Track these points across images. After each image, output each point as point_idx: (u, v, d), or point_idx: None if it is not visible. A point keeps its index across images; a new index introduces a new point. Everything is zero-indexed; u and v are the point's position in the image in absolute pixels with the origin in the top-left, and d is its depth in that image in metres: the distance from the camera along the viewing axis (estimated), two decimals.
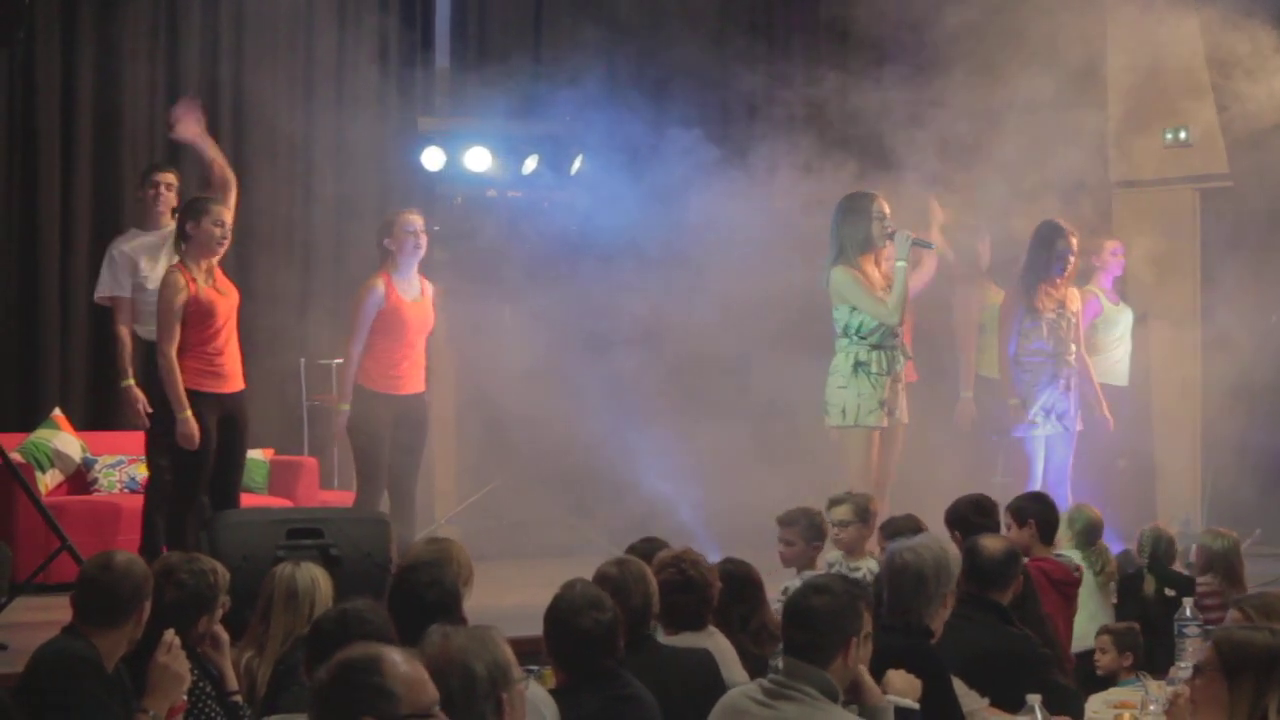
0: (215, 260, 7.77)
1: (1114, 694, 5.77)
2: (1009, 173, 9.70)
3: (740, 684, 4.70)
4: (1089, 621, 7.08)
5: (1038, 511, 6.94)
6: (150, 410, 7.86)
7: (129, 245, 8.30)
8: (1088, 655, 6.80)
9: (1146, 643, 6.71)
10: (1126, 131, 11.75)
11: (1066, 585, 6.84)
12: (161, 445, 7.75)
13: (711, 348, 11.15)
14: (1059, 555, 7.05)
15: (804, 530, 6.91)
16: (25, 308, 9.99)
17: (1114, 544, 7.88)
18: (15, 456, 8.64)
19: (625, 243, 10.89)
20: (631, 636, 4.84)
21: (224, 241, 7.77)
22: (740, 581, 5.84)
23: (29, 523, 8.34)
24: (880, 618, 4.75)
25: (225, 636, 5.16)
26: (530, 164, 11.58)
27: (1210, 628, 5.19)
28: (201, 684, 4.98)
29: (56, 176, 10.08)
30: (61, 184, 10.09)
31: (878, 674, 4.50)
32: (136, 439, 8.40)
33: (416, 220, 8.46)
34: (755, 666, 5.22)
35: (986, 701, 5.08)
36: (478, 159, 11.45)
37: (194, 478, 7.66)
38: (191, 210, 7.76)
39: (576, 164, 11.59)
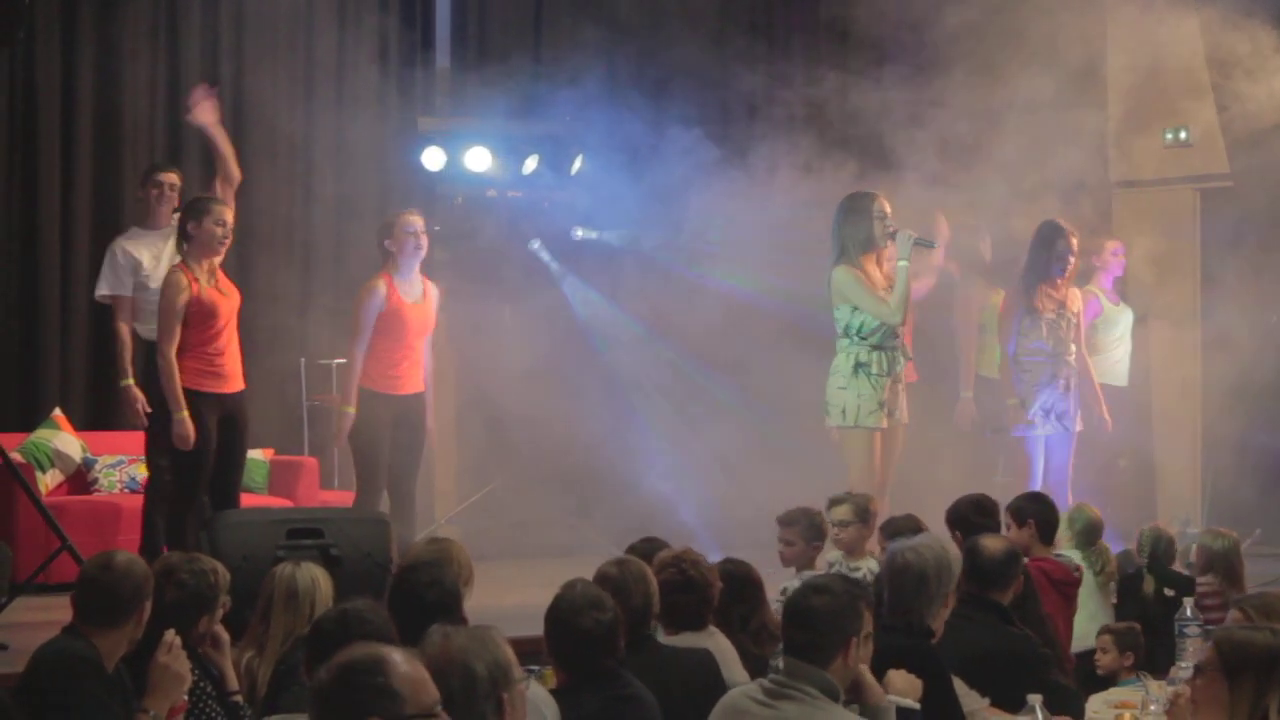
0: (217, 260, 7.77)
1: (1114, 694, 5.76)
2: (1009, 173, 9.70)
3: (741, 684, 4.70)
4: (1089, 621, 7.08)
5: (1037, 511, 6.94)
6: (149, 410, 7.86)
7: (131, 243, 8.29)
8: (1088, 655, 6.80)
9: (1146, 643, 6.71)
10: (1126, 131, 11.75)
11: (1066, 585, 6.84)
12: (161, 445, 7.75)
13: (711, 348, 11.16)
14: (1059, 555, 7.05)
15: (804, 530, 6.91)
16: (25, 307, 9.99)
17: (1114, 544, 7.88)
18: (15, 456, 8.64)
19: (625, 243, 10.91)
20: (632, 636, 4.84)
21: (226, 241, 7.77)
22: (740, 581, 5.84)
23: (29, 523, 8.35)
24: (881, 618, 4.75)
25: (226, 636, 5.16)
26: (530, 164, 11.58)
27: (1210, 628, 5.18)
28: (202, 684, 4.98)
29: (56, 176, 10.08)
30: (61, 184, 10.09)
31: (878, 674, 4.50)
32: (137, 439, 8.39)
33: (417, 221, 8.44)
34: (755, 666, 5.22)
35: (987, 701, 5.08)
36: (478, 159, 11.45)
37: (194, 478, 7.66)
38: (193, 210, 7.76)
39: (576, 164, 11.59)
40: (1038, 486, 8.52)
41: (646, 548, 5.88)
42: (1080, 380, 9.18)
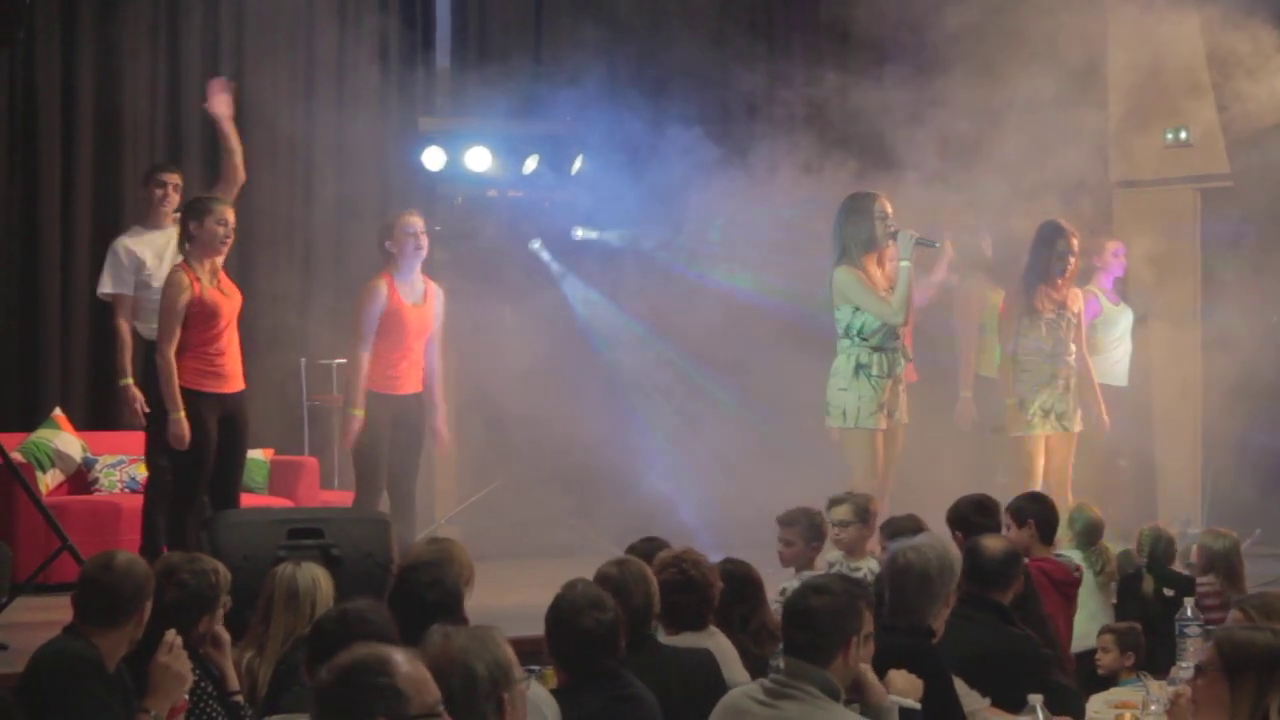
0: (219, 260, 7.77)
1: (1115, 694, 5.77)
2: (1009, 172, 9.70)
3: (741, 684, 4.71)
4: (1089, 621, 7.08)
5: (1037, 512, 6.94)
6: (148, 410, 7.86)
7: (134, 242, 8.29)
8: (1088, 655, 6.80)
9: (1147, 643, 6.71)
10: (1127, 131, 11.75)
11: (1067, 585, 6.84)
12: (161, 445, 7.74)
13: (711, 348, 11.17)
14: (1059, 555, 7.05)
15: (804, 530, 6.92)
16: (26, 307, 9.99)
17: (1114, 544, 7.88)
18: (16, 456, 8.64)
19: (625, 243, 10.92)
20: (632, 636, 4.84)
21: (228, 240, 7.76)
22: (741, 581, 5.85)
23: (29, 523, 8.35)
24: (882, 618, 4.75)
25: (226, 636, 5.15)
26: (530, 164, 11.58)
27: (1211, 628, 5.18)
28: (203, 684, 4.98)
29: (57, 176, 10.08)
30: (62, 183, 10.09)
31: (879, 674, 4.50)
32: (137, 439, 8.39)
33: (417, 222, 8.43)
34: (756, 666, 5.22)
35: (988, 701, 5.08)
36: (478, 159, 11.45)
37: (194, 477, 7.65)
38: (195, 210, 7.75)
39: (577, 164, 11.59)
40: (1037, 486, 8.52)
41: (647, 548, 5.88)
42: (1080, 380, 9.18)
